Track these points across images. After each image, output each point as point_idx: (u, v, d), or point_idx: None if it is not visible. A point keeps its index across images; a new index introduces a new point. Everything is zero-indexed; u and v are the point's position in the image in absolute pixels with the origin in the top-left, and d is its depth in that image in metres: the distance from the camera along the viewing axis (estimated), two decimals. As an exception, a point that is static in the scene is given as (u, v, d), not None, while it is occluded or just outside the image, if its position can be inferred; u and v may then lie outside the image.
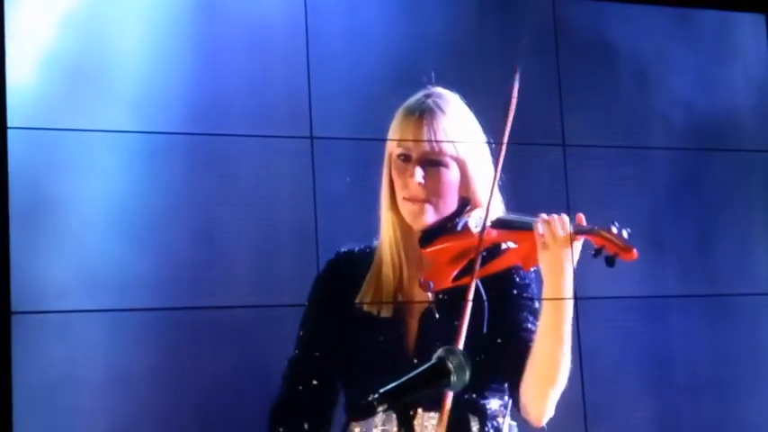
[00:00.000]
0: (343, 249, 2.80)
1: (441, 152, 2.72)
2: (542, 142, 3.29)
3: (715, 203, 3.53)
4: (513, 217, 2.72)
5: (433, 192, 2.71)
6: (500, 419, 2.70)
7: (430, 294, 2.71)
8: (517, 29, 3.35)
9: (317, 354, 2.72)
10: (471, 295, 2.63)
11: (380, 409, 2.29)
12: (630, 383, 3.35)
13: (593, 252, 2.66)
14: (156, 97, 2.97)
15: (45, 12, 2.91)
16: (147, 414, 2.91)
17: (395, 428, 2.63)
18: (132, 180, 2.94)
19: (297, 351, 2.76)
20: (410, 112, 2.75)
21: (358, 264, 2.75)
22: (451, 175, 2.72)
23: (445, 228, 2.71)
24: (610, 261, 2.66)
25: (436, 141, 2.72)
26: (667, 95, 3.50)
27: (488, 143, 2.82)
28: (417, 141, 2.72)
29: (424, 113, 2.73)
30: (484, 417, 2.67)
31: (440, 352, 2.39)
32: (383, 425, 2.66)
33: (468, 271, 2.66)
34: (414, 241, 2.74)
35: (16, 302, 2.76)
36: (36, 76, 2.88)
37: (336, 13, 3.15)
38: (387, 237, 2.74)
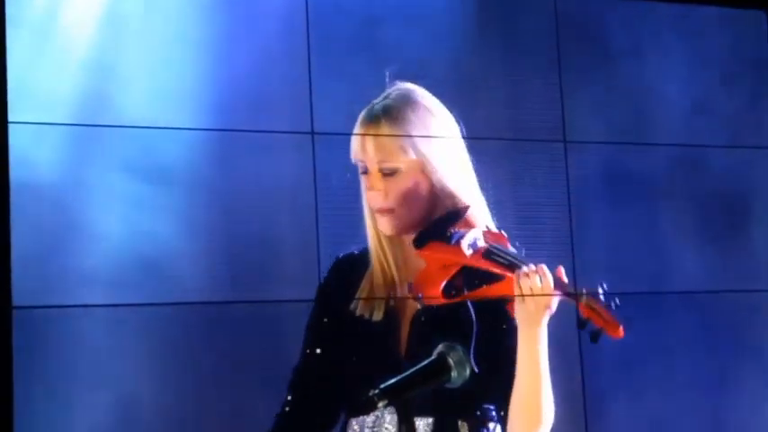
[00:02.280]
0: (342, 254, 2.77)
1: (392, 160, 2.65)
2: (543, 138, 3.29)
3: (715, 199, 3.53)
4: (505, 252, 2.63)
5: (395, 201, 2.65)
6: (491, 425, 2.67)
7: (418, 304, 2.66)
8: (519, 23, 3.35)
9: (322, 368, 2.71)
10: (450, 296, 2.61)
11: (381, 404, 2.30)
12: (630, 379, 3.36)
13: (577, 322, 2.57)
14: (156, 93, 2.97)
15: (46, 5, 2.91)
16: (147, 409, 2.91)
17: (391, 426, 2.62)
18: (133, 175, 2.94)
19: (303, 362, 2.72)
20: (360, 124, 2.69)
21: (359, 265, 2.73)
22: (410, 179, 2.65)
23: (437, 232, 2.64)
24: (594, 337, 2.56)
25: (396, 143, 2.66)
26: (667, 91, 3.50)
27: (464, 137, 2.77)
28: (369, 152, 2.66)
29: (370, 124, 2.68)
30: (474, 421, 2.65)
31: (440, 348, 2.40)
32: (376, 423, 2.65)
33: (458, 287, 2.62)
34: (401, 244, 2.70)
35: (17, 297, 2.76)
36: (37, 70, 2.89)
37: (338, 8, 3.15)
38: (372, 244, 2.71)
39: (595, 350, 3.25)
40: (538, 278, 2.54)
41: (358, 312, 2.69)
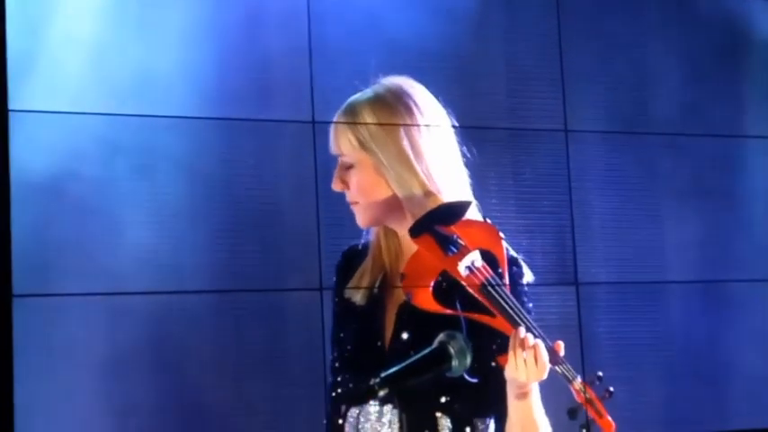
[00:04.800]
0: (346, 247, 2.78)
1: (344, 153, 2.67)
2: (544, 127, 3.29)
3: (716, 188, 3.53)
4: (500, 295, 2.56)
5: (356, 194, 2.67)
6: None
7: (406, 296, 2.64)
8: (520, 11, 3.35)
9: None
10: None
11: (382, 393, 2.30)
12: (632, 370, 3.36)
13: (568, 410, 2.48)
14: (158, 81, 2.97)
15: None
16: (147, 398, 2.92)
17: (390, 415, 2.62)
18: (133, 164, 2.94)
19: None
20: None
21: (359, 258, 2.73)
22: (363, 174, 2.66)
23: (433, 228, 2.60)
24: (586, 427, 2.47)
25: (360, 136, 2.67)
26: (669, 80, 3.50)
27: (455, 127, 2.74)
28: (331, 144, 2.69)
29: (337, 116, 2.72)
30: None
31: (441, 336, 2.40)
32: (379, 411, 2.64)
33: (450, 299, 2.57)
34: (396, 235, 2.70)
35: (17, 285, 2.76)
36: (38, 58, 2.88)
37: (339, -3, 3.16)
38: (373, 230, 2.73)
39: (596, 340, 3.26)
40: (533, 359, 2.47)
41: (346, 296, 2.70)
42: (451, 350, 2.37)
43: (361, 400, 2.53)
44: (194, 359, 2.96)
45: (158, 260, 2.92)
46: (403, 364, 2.35)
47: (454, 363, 2.37)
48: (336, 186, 2.70)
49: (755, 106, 3.60)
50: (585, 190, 3.31)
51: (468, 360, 2.38)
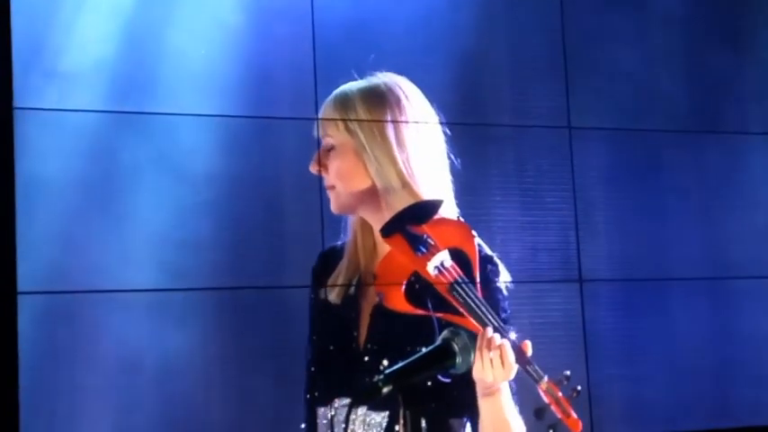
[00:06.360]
0: (326, 247, 2.76)
1: (328, 134, 2.67)
2: (547, 124, 3.29)
3: (719, 185, 3.53)
4: (468, 296, 2.54)
5: (332, 178, 2.66)
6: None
7: (378, 297, 2.63)
8: (523, 7, 3.35)
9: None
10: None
11: (386, 390, 2.29)
12: (635, 367, 3.36)
13: (534, 410, 2.45)
14: (161, 79, 2.97)
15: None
16: (150, 394, 2.92)
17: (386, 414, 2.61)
18: (137, 161, 2.94)
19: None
20: None
21: (337, 257, 2.72)
22: (343, 157, 2.65)
23: (404, 228, 2.58)
24: (554, 428, 2.43)
25: (332, 123, 2.67)
26: (673, 77, 3.50)
27: (444, 124, 2.73)
28: (321, 127, 2.68)
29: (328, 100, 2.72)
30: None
31: (445, 333, 2.40)
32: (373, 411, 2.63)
33: (422, 299, 2.55)
34: (372, 233, 2.69)
35: (22, 282, 2.77)
36: (43, 56, 2.89)
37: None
38: (350, 228, 2.72)
39: (600, 337, 3.26)
40: (499, 360, 2.45)
41: (322, 296, 2.69)
42: (455, 347, 2.37)
43: (364, 398, 2.52)
44: (197, 356, 2.96)
45: (162, 257, 2.92)
46: (406, 361, 2.35)
47: (458, 360, 2.37)
48: (314, 168, 2.68)
49: (760, 102, 3.60)
50: (589, 187, 3.31)
51: (472, 357, 2.38)
